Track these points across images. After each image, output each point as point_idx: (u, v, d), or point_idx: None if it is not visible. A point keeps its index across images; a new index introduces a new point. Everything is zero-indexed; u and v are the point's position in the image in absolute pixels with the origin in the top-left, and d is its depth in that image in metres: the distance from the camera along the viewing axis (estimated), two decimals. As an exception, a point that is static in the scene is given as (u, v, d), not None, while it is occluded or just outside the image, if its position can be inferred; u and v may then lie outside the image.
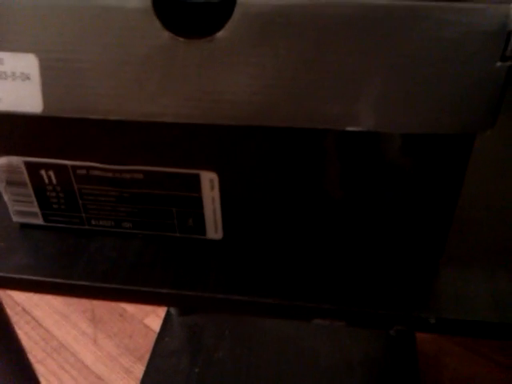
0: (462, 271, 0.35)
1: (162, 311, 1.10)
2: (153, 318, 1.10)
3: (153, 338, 1.04)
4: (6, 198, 0.38)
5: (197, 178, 0.35)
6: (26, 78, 0.31)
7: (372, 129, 0.30)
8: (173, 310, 0.99)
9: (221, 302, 0.34)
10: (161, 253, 0.37)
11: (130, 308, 1.12)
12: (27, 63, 0.31)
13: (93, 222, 0.38)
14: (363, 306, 0.33)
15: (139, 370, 0.99)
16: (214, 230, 0.37)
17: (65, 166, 0.35)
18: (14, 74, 0.31)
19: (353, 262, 0.36)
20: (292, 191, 0.35)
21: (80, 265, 0.36)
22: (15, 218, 0.39)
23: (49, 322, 1.10)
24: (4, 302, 0.47)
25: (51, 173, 0.36)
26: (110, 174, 0.35)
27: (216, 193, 0.35)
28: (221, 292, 0.34)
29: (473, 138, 0.31)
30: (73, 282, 0.35)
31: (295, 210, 0.35)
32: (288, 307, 0.34)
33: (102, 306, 1.13)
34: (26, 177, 0.37)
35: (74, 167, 0.35)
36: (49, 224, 0.39)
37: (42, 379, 0.57)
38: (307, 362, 0.89)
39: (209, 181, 0.35)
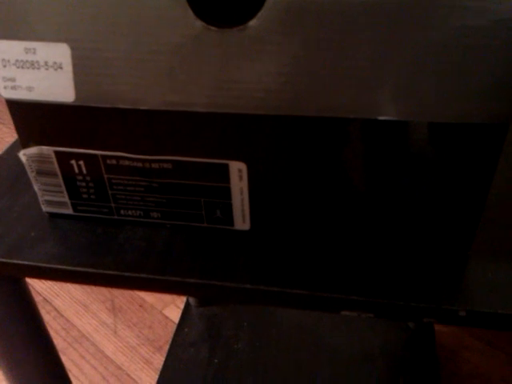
0: (491, 263, 0.35)
1: (181, 302, 1.11)
2: (172, 308, 1.11)
3: (172, 328, 1.05)
4: (35, 187, 0.39)
5: (225, 168, 0.35)
6: (58, 67, 0.32)
7: (401, 117, 0.30)
8: (192, 301, 0.99)
9: (248, 292, 0.34)
10: (189, 243, 0.37)
11: (150, 298, 1.13)
12: (60, 52, 0.31)
13: (122, 212, 0.38)
14: (392, 298, 0.33)
15: (159, 360, 1.00)
16: (241, 220, 0.37)
17: (95, 155, 0.36)
18: (46, 63, 0.32)
19: (381, 253, 0.36)
20: (319, 182, 0.34)
21: (109, 255, 0.37)
22: (45, 208, 0.40)
23: (69, 312, 1.11)
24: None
25: (81, 162, 0.36)
26: (139, 164, 0.35)
27: (244, 183, 0.35)
28: (248, 282, 0.34)
29: (506, 128, 0.31)
30: (102, 271, 0.36)
31: (323, 200, 0.35)
32: (316, 298, 0.34)
33: (121, 296, 1.14)
34: (56, 166, 0.37)
35: (104, 157, 0.36)
36: (78, 214, 0.39)
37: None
38: (326, 353, 0.89)
39: (237, 171, 0.35)
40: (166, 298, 1.13)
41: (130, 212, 0.38)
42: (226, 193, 0.36)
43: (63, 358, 1.02)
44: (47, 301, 1.13)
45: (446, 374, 0.95)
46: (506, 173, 0.42)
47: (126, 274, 0.35)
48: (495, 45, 0.27)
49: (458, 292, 0.33)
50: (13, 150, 0.47)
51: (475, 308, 0.32)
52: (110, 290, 1.15)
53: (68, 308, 1.12)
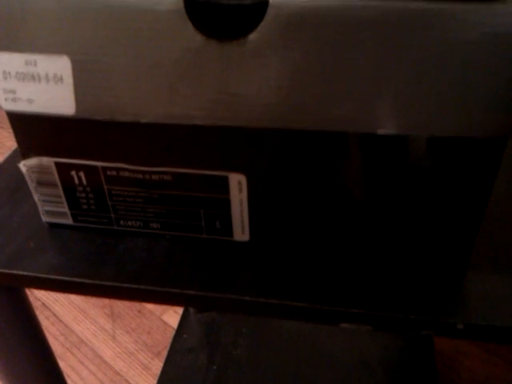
0: (489, 276, 0.35)
1: (179, 308, 1.10)
2: (171, 314, 1.11)
3: (171, 334, 1.05)
4: (35, 198, 0.39)
5: (225, 180, 0.35)
6: (58, 79, 0.32)
7: (400, 131, 0.30)
8: (190, 307, 0.99)
9: (247, 304, 0.35)
10: (188, 254, 0.37)
11: (148, 304, 1.13)
12: (60, 65, 0.31)
13: (121, 223, 0.38)
14: (390, 310, 0.33)
15: (157, 365, 1.00)
16: (241, 231, 0.37)
17: (95, 167, 0.36)
18: (47, 75, 0.32)
19: (380, 266, 0.36)
20: (319, 194, 0.35)
21: (109, 265, 0.37)
22: (45, 218, 0.40)
23: (68, 318, 1.11)
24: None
25: (81, 173, 0.36)
26: (139, 176, 0.36)
27: (244, 195, 0.35)
28: (247, 295, 0.34)
29: (505, 142, 0.31)
30: (102, 282, 0.36)
31: (322, 213, 0.35)
32: (315, 311, 0.34)
33: (120, 302, 1.14)
34: (56, 177, 0.37)
35: (105, 168, 0.36)
36: (78, 224, 0.39)
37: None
38: (324, 361, 0.89)
39: (237, 183, 0.35)
40: (165, 303, 1.13)
41: (129, 223, 0.38)
42: (226, 204, 0.36)
43: (62, 364, 1.02)
44: (46, 306, 1.13)
45: (445, 382, 0.95)
46: (505, 186, 0.42)
47: (126, 285, 0.35)
48: (493, 59, 0.28)
49: (456, 305, 0.33)
50: (13, 159, 0.47)
51: (473, 321, 0.32)
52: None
53: (67, 313, 1.12)
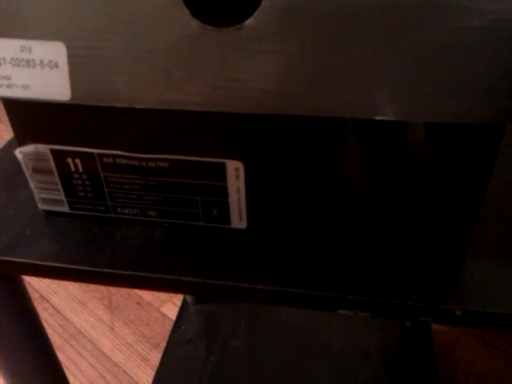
0: (488, 263, 0.35)
1: (178, 299, 1.11)
2: (169, 306, 1.11)
3: (169, 325, 1.05)
4: (32, 185, 0.38)
5: (222, 166, 0.35)
6: (54, 65, 0.31)
7: (398, 118, 0.30)
8: (189, 299, 0.99)
9: (245, 291, 0.34)
10: (185, 241, 0.37)
11: (147, 296, 1.13)
12: (55, 51, 0.31)
13: (118, 210, 0.38)
14: (388, 297, 0.33)
15: (155, 357, 1.00)
16: (238, 219, 0.37)
17: (91, 153, 0.36)
18: (42, 61, 0.32)
19: (378, 253, 0.36)
20: (316, 181, 0.34)
21: (105, 252, 0.37)
22: (41, 206, 0.40)
23: (66, 309, 1.11)
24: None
25: (78, 161, 0.36)
26: (136, 163, 0.35)
27: (241, 182, 0.35)
28: (245, 281, 0.34)
29: (503, 129, 0.31)
30: (98, 269, 0.35)
31: (319, 200, 0.35)
32: (313, 297, 0.34)
33: (118, 294, 1.14)
34: (52, 165, 0.37)
35: (101, 155, 0.36)
36: (74, 212, 0.39)
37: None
38: (323, 352, 0.89)
39: (234, 170, 0.35)
40: (163, 295, 1.13)
41: (126, 210, 0.38)
42: (223, 191, 0.36)
43: (60, 355, 1.02)
44: (44, 298, 1.13)
45: (443, 372, 0.96)
46: (503, 174, 0.42)
47: (123, 272, 0.35)
48: (492, 46, 0.27)
49: (454, 291, 0.33)
50: (9, 147, 0.47)
51: (471, 307, 0.32)
52: (107, 287, 1.15)
53: (65, 305, 1.12)
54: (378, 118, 0.30)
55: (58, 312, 1.11)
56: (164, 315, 1.09)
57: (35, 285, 1.16)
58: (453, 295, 0.33)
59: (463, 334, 1.02)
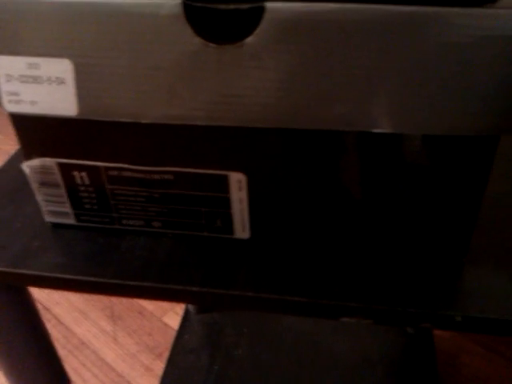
0: (487, 269, 0.36)
1: (180, 309, 1.11)
2: (171, 315, 1.11)
3: (172, 335, 1.05)
4: (38, 198, 0.39)
5: (225, 178, 0.35)
6: (61, 82, 0.32)
7: (395, 130, 0.31)
8: (191, 308, 1.00)
9: (250, 300, 0.35)
10: (190, 252, 0.38)
11: (149, 306, 1.13)
12: (62, 68, 0.32)
13: (123, 222, 0.39)
14: (390, 304, 0.34)
15: (159, 367, 1.00)
16: (241, 229, 0.38)
17: (97, 167, 0.36)
18: (49, 78, 0.32)
19: (379, 261, 0.37)
20: (317, 191, 0.35)
21: (112, 264, 0.37)
22: (47, 218, 0.40)
23: (69, 320, 1.12)
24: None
25: (84, 174, 0.37)
26: (140, 175, 0.36)
27: (244, 193, 0.36)
28: (250, 290, 0.35)
29: (497, 140, 0.32)
30: (105, 280, 0.36)
31: (321, 209, 0.36)
32: (316, 305, 0.34)
33: (120, 304, 1.14)
34: (58, 178, 0.38)
35: (107, 168, 0.36)
36: (80, 224, 0.40)
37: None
38: (326, 360, 0.89)
39: (237, 181, 0.35)
40: (165, 305, 1.13)
41: (131, 222, 0.39)
42: (226, 203, 0.37)
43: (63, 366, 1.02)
44: (47, 309, 1.14)
45: (446, 378, 0.96)
46: (500, 182, 0.43)
47: (129, 282, 0.36)
48: (485, 60, 0.28)
49: (454, 298, 0.34)
50: (14, 161, 0.48)
51: (471, 313, 0.33)
52: (109, 297, 1.15)
53: (67, 316, 1.12)
54: (375, 130, 0.31)
55: (61, 323, 1.11)
56: (166, 325, 1.10)
57: (37, 296, 1.17)
58: (453, 302, 0.34)
59: (466, 341, 1.02)
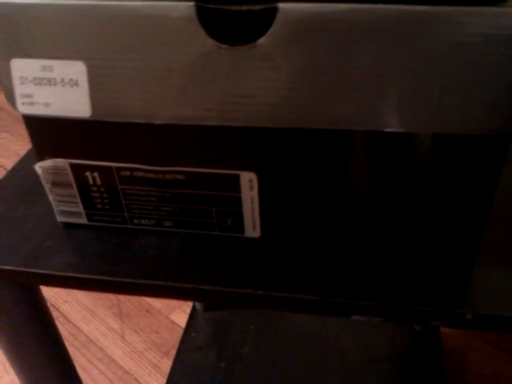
0: (497, 267, 0.36)
1: (187, 307, 1.11)
2: (178, 313, 1.12)
3: (179, 333, 1.06)
4: (50, 198, 0.40)
5: (236, 178, 0.36)
6: (74, 84, 0.33)
7: (405, 129, 0.31)
8: (198, 306, 1.00)
9: (260, 298, 0.35)
10: (201, 251, 0.38)
11: (156, 303, 1.14)
12: (76, 70, 0.32)
13: (135, 221, 0.39)
14: (400, 302, 0.34)
15: (166, 364, 1.01)
16: (252, 228, 0.38)
17: (109, 167, 0.37)
18: (63, 80, 0.33)
19: (390, 259, 0.37)
20: (327, 190, 0.35)
21: (123, 263, 0.38)
22: (59, 218, 0.41)
23: (77, 318, 1.12)
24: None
25: (96, 174, 0.37)
26: (152, 175, 0.36)
27: (255, 192, 0.36)
28: (260, 289, 0.35)
29: (509, 138, 0.32)
30: (118, 279, 0.37)
31: (331, 208, 0.36)
32: (327, 303, 0.35)
33: (128, 302, 1.15)
34: (71, 178, 0.38)
35: (119, 169, 0.37)
36: (92, 223, 0.40)
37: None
38: (332, 357, 0.89)
39: (248, 181, 0.36)
40: (173, 303, 1.14)
41: (143, 221, 0.39)
42: (237, 202, 0.37)
43: (72, 364, 1.02)
44: (54, 307, 1.14)
45: (453, 376, 0.96)
46: (511, 180, 0.43)
47: (141, 281, 0.36)
48: (495, 59, 0.28)
49: (465, 296, 0.34)
50: (25, 161, 0.48)
51: (481, 311, 0.33)
52: (116, 295, 1.16)
53: (75, 314, 1.13)
54: (386, 129, 0.31)
55: (69, 321, 1.12)
56: (173, 322, 1.10)
57: (44, 294, 1.17)
58: (463, 299, 0.34)
59: (473, 338, 1.02)
